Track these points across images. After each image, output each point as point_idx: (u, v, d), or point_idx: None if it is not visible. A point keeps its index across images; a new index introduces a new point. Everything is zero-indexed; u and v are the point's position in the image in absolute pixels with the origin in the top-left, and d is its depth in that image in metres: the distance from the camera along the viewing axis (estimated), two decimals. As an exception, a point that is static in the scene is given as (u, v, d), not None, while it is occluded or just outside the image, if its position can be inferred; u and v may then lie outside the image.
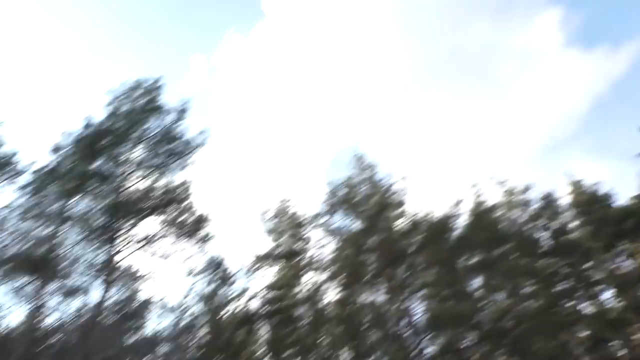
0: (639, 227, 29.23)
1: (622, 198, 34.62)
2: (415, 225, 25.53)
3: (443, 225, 25.99)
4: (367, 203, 25.83)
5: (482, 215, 27.87)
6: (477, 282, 26.21)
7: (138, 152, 24.06)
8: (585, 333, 27.32)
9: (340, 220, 25.84)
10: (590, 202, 30.96)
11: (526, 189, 30.72)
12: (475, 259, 26.32)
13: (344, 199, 26.11)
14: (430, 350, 22.96)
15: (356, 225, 25.44)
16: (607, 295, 30.97)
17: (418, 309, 24.68)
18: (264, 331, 25.67)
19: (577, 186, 32.09)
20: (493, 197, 30.26)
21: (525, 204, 30.55)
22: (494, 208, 29.03)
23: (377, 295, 24.08)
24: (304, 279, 25.58)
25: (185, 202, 23.68)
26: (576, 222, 31.10)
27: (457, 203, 26.87)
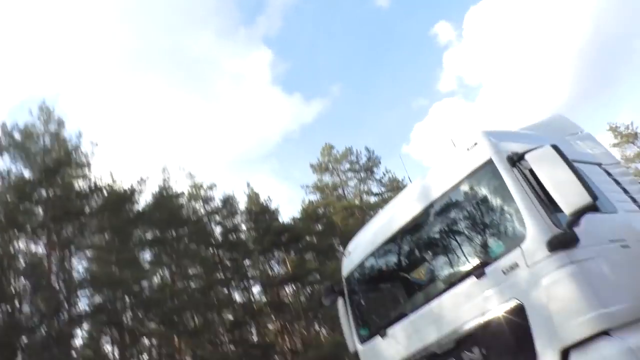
0: (291, 242, 34.76)
1: (286, 216, 40.39)
2: (96, 189, 24.29)
3: (125, 196, 25.47)
4: (45, 155, 23.29)
5: (165, 198, 28.51)
6: (148, 255, 26.48)
7: None
8: (230, 316, 30.40)
9: (8, 164, 22.43)
10: (260, 213, 35.21)
11: (211, 187, 33.12)
12: (150, 235, 26.55)
13: (18, 144, 22.91)
14: (83, 306, 21.81)
15: (27, 173, 22.56)
16: (256, 290, 35.37)
17: (80, 267, 23.38)
18: None
19: (253, 197, 36.25)
20: (180, 185, 31.49)
21: (208, 199, 32.84)
22: (178, 195, 30.11)
23: (37, 247, 21.59)
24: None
25: None
26: (245, 226, 34.96)
27: (144, 180, 26.87)
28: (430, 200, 4.83)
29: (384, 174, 37.96)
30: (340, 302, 6.08)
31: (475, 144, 4.51)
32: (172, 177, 30.92)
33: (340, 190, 38.03)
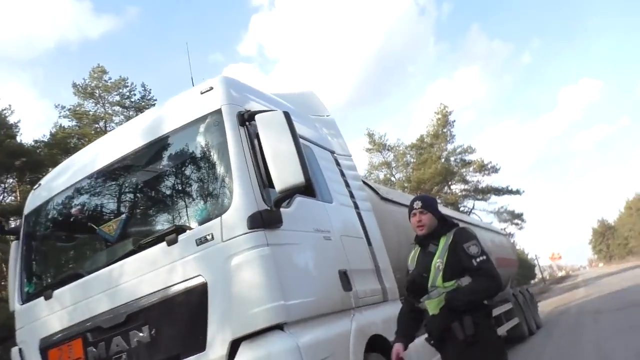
0: (28, 169, 29.68)
1: (31, 137, 34.15)
2: None
3: None
4: None
5: None
6: None
7: None
8: None
9: None
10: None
11: None
12: None
13: None
14: None
15: None
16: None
17: None
18: None
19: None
20: None
21: None
22: None
23: None
24: None
25: None
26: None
27: None
28: (144, 142, 3.94)
29: (155, 120, 35.09)
30: (13, 245, 4.82)
31: (211, 88, 3.78)
32: None
33: (101, 124, 33.94)
